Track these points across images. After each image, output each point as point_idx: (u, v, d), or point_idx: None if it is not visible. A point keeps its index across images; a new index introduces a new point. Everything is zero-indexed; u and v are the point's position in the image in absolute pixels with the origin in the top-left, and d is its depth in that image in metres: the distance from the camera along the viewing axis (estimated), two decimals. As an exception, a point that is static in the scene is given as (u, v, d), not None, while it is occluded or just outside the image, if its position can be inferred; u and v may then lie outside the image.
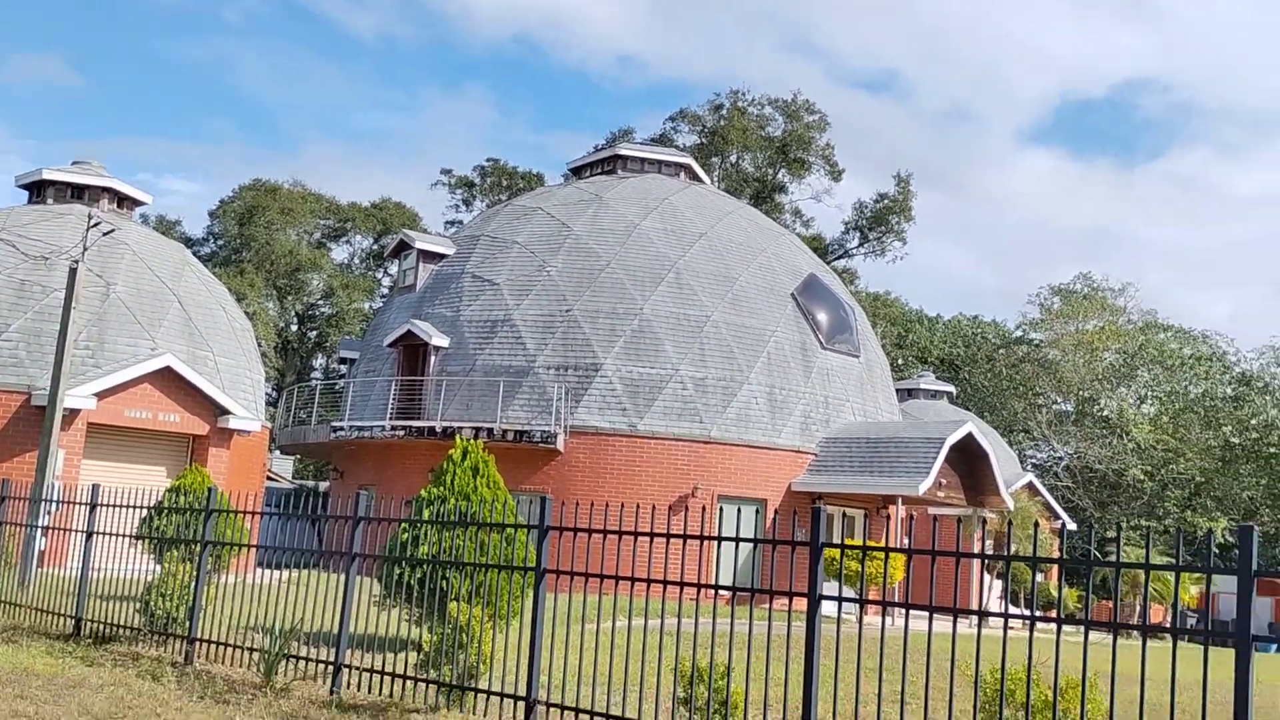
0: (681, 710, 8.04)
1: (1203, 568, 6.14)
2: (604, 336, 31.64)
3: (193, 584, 11.85)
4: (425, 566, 11.32)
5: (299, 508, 12.01)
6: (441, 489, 14.07)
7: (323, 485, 44.09)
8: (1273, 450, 53.26)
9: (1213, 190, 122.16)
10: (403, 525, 12.39)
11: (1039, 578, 35.94)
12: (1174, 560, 6.16)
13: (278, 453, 43.42)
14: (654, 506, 13.13)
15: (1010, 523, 7.62)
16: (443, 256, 35.78)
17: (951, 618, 6.96)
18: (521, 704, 8.59)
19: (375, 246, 62.97)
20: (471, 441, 14.88)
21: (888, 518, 33.04)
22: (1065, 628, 6.48)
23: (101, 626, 12.67)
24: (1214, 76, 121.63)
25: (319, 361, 61.32)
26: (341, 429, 32.60)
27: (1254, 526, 5.91)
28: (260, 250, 56.11)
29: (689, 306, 32.31)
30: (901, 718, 6.57)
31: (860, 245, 58.07)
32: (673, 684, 8.23)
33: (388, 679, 9.78)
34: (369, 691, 9.87)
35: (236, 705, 9.28)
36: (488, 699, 8.98)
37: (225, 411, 25.80)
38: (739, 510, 8.98)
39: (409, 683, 9.61)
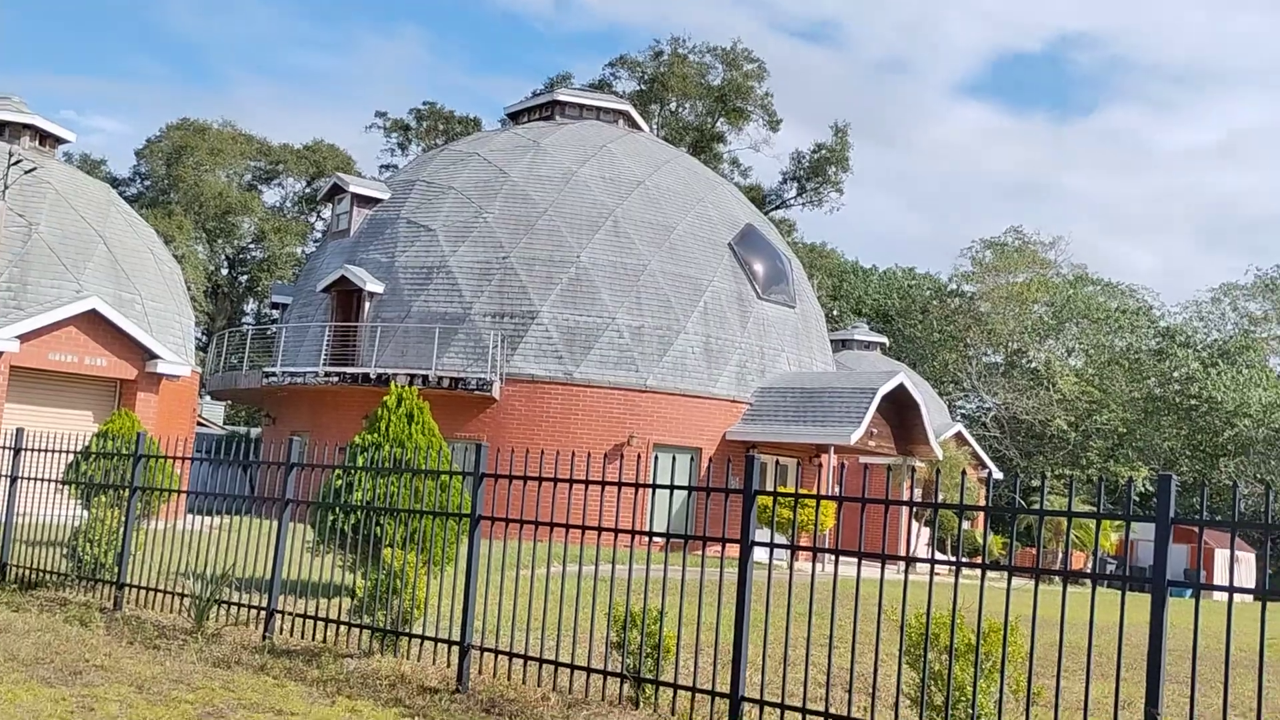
0: (615, 654, 8.14)
1: (1123, 515, 6.32)
2: (540, 284, 31.52)
3: (121, 529, 11.71)
4: (359, 513, 11.29)
5: (230, 453, 11.88)
6: (376, 436, 13.99)
7: (254, 431, 43.64)
8: (1193, 402, 54.63)
9: (1142, 145, 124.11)
10: (337, 472, 12.32)
11: (965, 525, 36.81)
12: (1096, 509, 6.35)
13: (208, 398, 42.86)
14: (590, 455, 13.19)
15: (938, 471, 7.79)
16: (377, 201, 35.32)
17: (879, 564, 7.12)
18: (455, 648, 8.64)
19: (308, 190, 61.97)
20: (406, 388, 14.81)
21: (819, 466, 33.48)
22: (991, 574, 6.68)
23: (27, 572, 12.50)
24: (1146, 32, 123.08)
25: (250, 306, 60.43)
26: (274, 375, 32.25)
27: (1172, 476, 6.09)
28: (189, 192, 54.95)
29: (626, 255, 32.27)
30: (829, 660, 6.70)
31: (798, 196, 58.25)
32: (606, 629, 8.32)
33: (321, 624, 9.77)
34: (302, 637, 9.86)
35: (167, 650, 9.23)
36: (421, 644, 9.02)
37: (154, 356, 25.38)
38: (674, 459, 9.03)
39: (343, 628, 9.62)
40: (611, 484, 8.22)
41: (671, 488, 7.72)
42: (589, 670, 7.99)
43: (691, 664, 8.33)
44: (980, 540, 37.66)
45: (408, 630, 9.17)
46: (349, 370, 31.27)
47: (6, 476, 13.24)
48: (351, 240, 34.63)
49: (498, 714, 7.66)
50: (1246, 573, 42.34)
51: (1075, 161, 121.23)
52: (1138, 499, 51.23)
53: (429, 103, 61.42)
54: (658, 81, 54.16)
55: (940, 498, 7.70)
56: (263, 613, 10.11)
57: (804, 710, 6.79)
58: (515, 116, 40.07)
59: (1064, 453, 55.53)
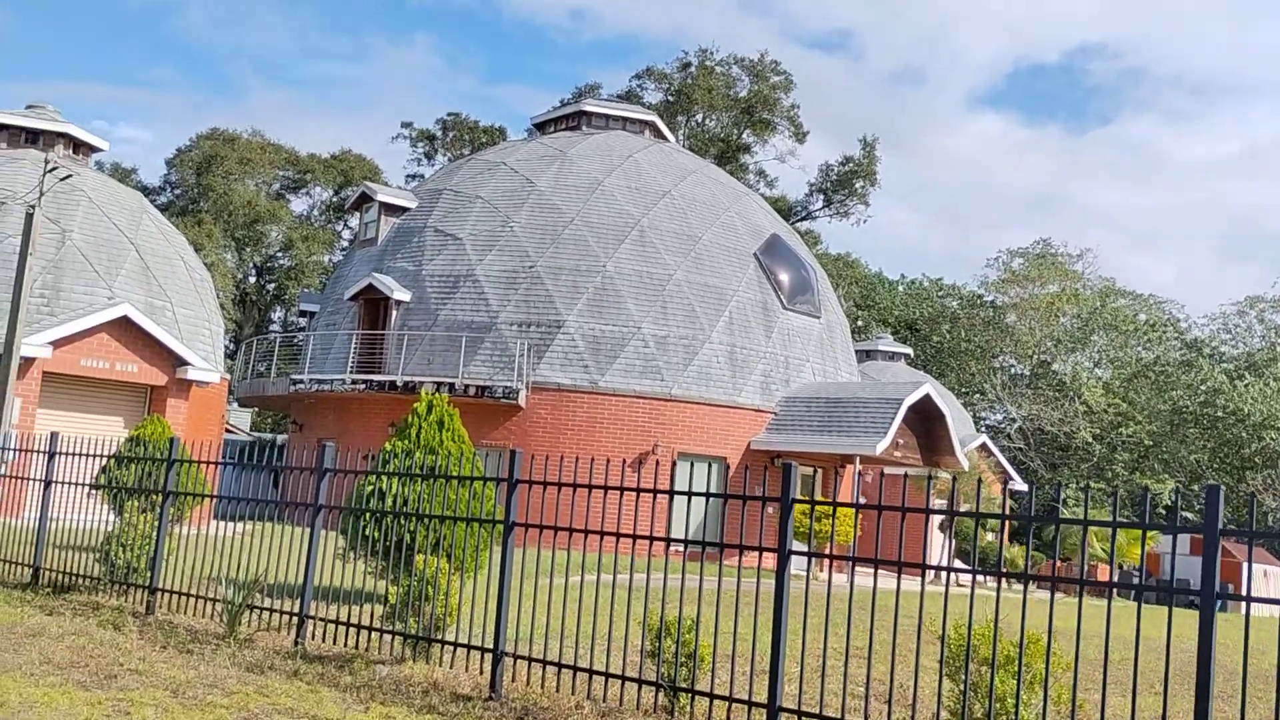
0: (648, 663, 8.11)
1: (1169, 527, 6.26)
2: (567, 293, 31.57)
3: (154, 534, 11.77)
4: (390, 519, 11.30)
5: (258, 459, 11.93)
6: (406, 442, 14.02)
7: (280, 438, 43.83)
8: (1219, 415, 54.18)
9: (1160, 156, 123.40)
10: (369, 478, 12.35)
11: (989, 537, 36.48)
12: (1114, 521, 6.29)
13: (235, 405, 43.09)
14: (615, 462, 13.17)
15: (979, 481, 7.73)
16: (405, 210, 35.48)
17: (913, 574, 7.09)
18: (489, 656, 8.62)
19: (335, 199, 62.27)
20: (436, 395, 14.84)
21: (841, 477, 33.37)
22: (1017, 586, 6.62)
23: (60, 576, 12.58)
24: (1164, 43, 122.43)
25: (277, 314, 60.73)
26: (301, 381, 32.40)
27: (1220, 487, 6.01)
28: (218, 200, 55.31)
29: (652, 264, 32.28)
30: (868, 671, 6.65)
31: (824, 208, 58.13)
32: (640, 638, 8.29)
33: (352, 631, 9.78)
34: (334, 643, 9.87)
35: (200, 655, 9.26)
36: (454, 651, 9.01)
37: (184, 362, 25.53)
38: (692, 467, 9.00)
39: (374, 634, 9.61)
40: (646, 490, 8.19)
41: (708, 495, 7.69)
42: (624, 679, 7.96)
43: (725, 674, 8.29)
44: (1004, 553, 37.47)
45: (439, 637, 9.17)
46: (376, 378, 31.38)
47: (41, 480, 13.33)
48: (379, 249, 34.78)
49: (531, 721, 7.65)
50: (1275, 586, 41.94)
51: (1092, 173, 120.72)
52: (1163, 512, 50.78)
53: (454, 113, 61.68)
54: (684, 93, 54.21)
55: (968, 508, 7.64)
56: (294, 618, 10.12)
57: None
58: (542, 126, 40.17)
59: (1089, 465, 55.17)
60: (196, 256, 29.49)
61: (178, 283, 26.93)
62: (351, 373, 32.11)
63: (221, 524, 12.32)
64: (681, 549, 23.78)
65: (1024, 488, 45.07)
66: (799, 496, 7.33)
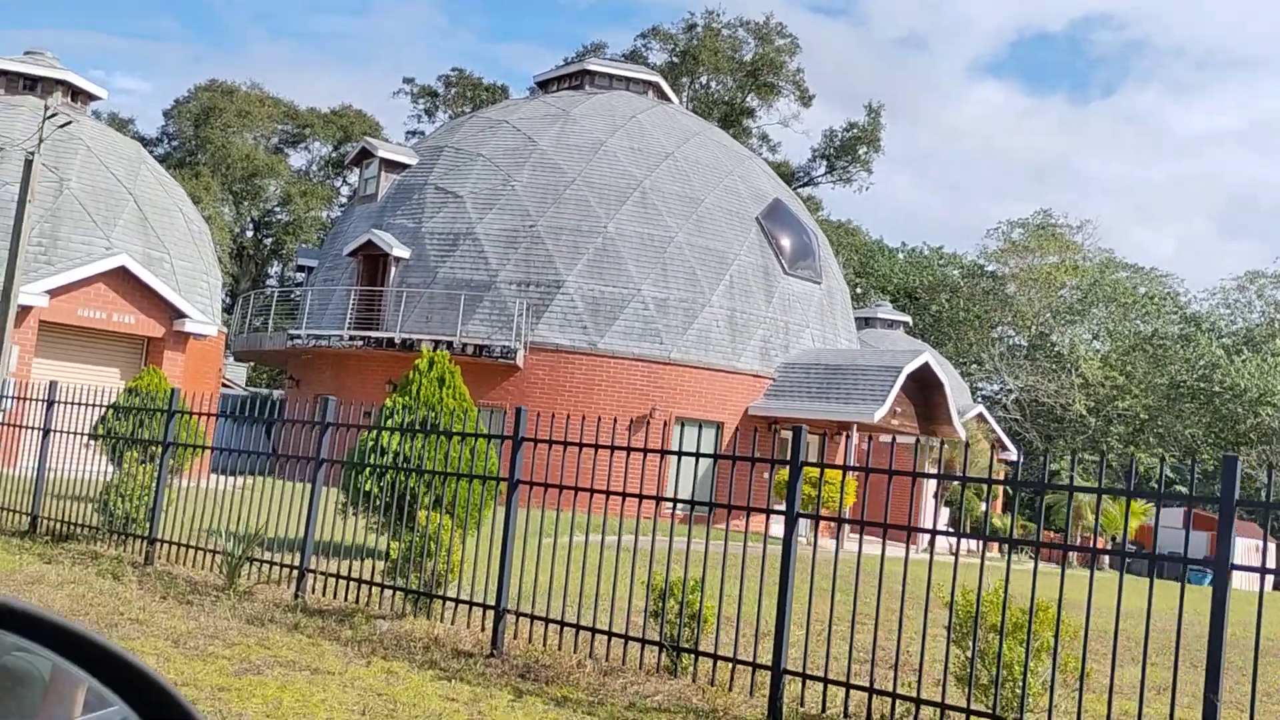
0: (651, 623, 8.08)
1: (1187, 497, 6.21)
2: (567, 253, 31.42)
3: (153, 485, 11.71)
4: (391, 475, 11.24)
5: (256, 414, 11.87)
6: (407, 398, 13.95)
7: (277, 393, 43.77)
8: (1215, 390, 54.23)
9: (1162, 128, 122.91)
10: (370, 433, 12.28)
11: (983, 506, 36.51)
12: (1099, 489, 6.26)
13: (231, 359, 42.99)
14: (614, 424, 12.96)
15: (991, 447, 7.70)
16: (405, 166, 35.24)
17: (913, 541, 7.05)
18: (490, 613, 8.59)
19: (335, 154, 61.86)
20: (438, 352, 14.75)
21: (839, 444, 33.37)
22: (1016, 554, 6.65)
23: (59, 525, 12.52)
24: (1168, 15, 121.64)
25: (275, 269, 60.49)
26: (299, 337, 32.29)
27: (1238, 458, 5.97)
28: (216, 153, 54.93)
29: (653, 226, 32.12)
30: (874, 636, 6.62)
31: (827, 174, 57.83)
32: (644, 598, 8.26)
33: (353, 586, 9.74)
34: (334, 597, 9.83)
35: (200, 606, 9.22)
36: (455, 607, 8.97)
37: (181, 315, 25.40)
38: (682, 430, 8.98)
39: (375, 589, 9.58)
40: (653, 451, 8.14)
41: (716, 456, 7.63)
42: (626, 638, 7.93)
43: (727, 636, 8.27)
44: (997, 521, 37.52)
45: (441, 593, 9.13)
46: (374, 334, 31.28)
47: (39, 429, 13.25)
48: (379, 205, 34.58)
49: (533, 679, 7.62)
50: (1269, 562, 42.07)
51: (1094, 144, 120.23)
52: (1153, 486, 50.89)
53: (457, 69, 61.22)
54: (689, 54, 53.77)
55: (983, 477, 7.59)
56: (294, 572, 10.08)
57: (847, 685, 6.71)
58: (545, 85, 39.85)
59: (1084, 437, 55.27)
60: (195, 208, 29.29)
61: (176, 234, 26.74)
62: (350, 329, 31.99)
63: (218, 477, 12.27)
64: (679, 510, 23.89)
65: (1016, 457, 45.14)
66: (807, 460, 7.25)
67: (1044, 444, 55.38)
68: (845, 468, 7.21)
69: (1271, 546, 44.19)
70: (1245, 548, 41.17)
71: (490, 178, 33.14)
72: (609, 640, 8.05)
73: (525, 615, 8.40)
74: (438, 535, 9.11)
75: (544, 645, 8.37)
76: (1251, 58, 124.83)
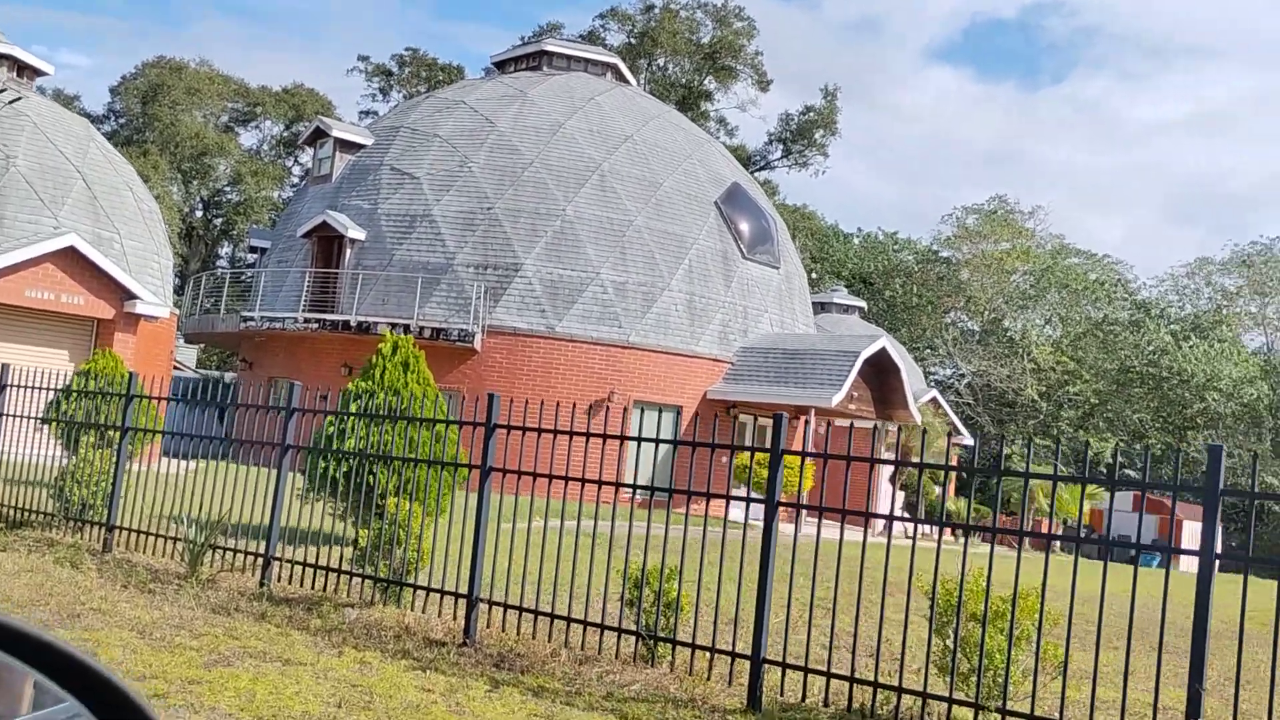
0: (628, 612, 8.00)
1: (1170, 485, 6.21)
2: (525, 236, 31.19)
3: (111, 470, 11.45)
4: (355, 461, 11.05)
5: (206, 397, 11.66)
6: (370, 383, 13.75)
7: (229, 375, 43.19)
8: (1164, 375, 55.02)
9: (1111, 116, 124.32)
10: (331, 419, 12.07)
11: (937, 490, 36.78)
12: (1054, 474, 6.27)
13: (182, 341, 42.33)
14: (566, 408, 12.92)
15: (925, 432, 7.71)
16: (360, 147, 34.80)
17: (885, 525, 7.01)
18: (463, 601, 8.46)
19: (287, 134, 61.01)
20: (401, 336, 14.56)
21: (796, 428, 33.47)
22: (970, 538, 6.69)
23: (12, 511, 12.22)
24: (1119, 2, 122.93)
25: (225, 250, 59.62)
26: (252, 319, 31.86)
27: (1222, 447, 5.97)
28: (164, 131, 53.97)
29: (612, 210, 31.96)
30: (855, 625, 6.59)
31: (783, 158, 57.87)
32: (616, 585, 8.17)
33: (319, 573, 9.57)
34: (301, 585, 9.66)
35: (163, 595, 9.02)
36: (427, 596, 8.84)
37: (132, 296, 24.93)
38: (643, 414, 8.90)
39: (342, 577, 9.42)
40: (630, 438, 8.04)
41: (694, 444, 7.56)
42: (602, 627, 7.84)
43: (702, 623, 8.21)
44: (952, 505, 37.87)
45: (411, 581, 8.99)
46: (329, 317, 30.90)
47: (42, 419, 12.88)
48: (333, 186, 34.13)
49: (508, 669, 7.52)
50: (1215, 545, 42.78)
51: (1045, 131, 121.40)
52: (1105, 472, 51.64)
53: (412, 49, 60.50)
54: (647, 36, 53.51)
55: (937, 464, 7.57)
56: (259, 560, 9.89)
57: (828, 674, 6.67)
58: (501, 65, 39.50)
59: (1035, 421, 55.88)
60: (145, 187, 28.73)
61: (126, 214, 26.23)
62: (304, 311, 31.58)
63: (171, 461, 12.01)
64: (638, 495, 23.78)
65: (971, 442, 45.58)
66: (788, 448, 7.19)
67: (996, 428, 55.95)
68: (825, 455, 7.15)
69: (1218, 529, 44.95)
70: (1192, 531, 41.85)
71: (447, 159, 32.81)
72: (584, 629, 7.95)
73: (499, 604, 8.29)
74: (407, 523, 8.95)
75: (518, 634, 8.27)
76: (1199, 46, 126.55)
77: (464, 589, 8.51)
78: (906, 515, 37.74)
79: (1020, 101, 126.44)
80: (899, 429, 35.71)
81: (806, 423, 29.97)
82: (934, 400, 42.82)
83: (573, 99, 34.76)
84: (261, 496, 10.36)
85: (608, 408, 30.27)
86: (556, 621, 8.07)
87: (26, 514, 12.04)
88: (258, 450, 10.41)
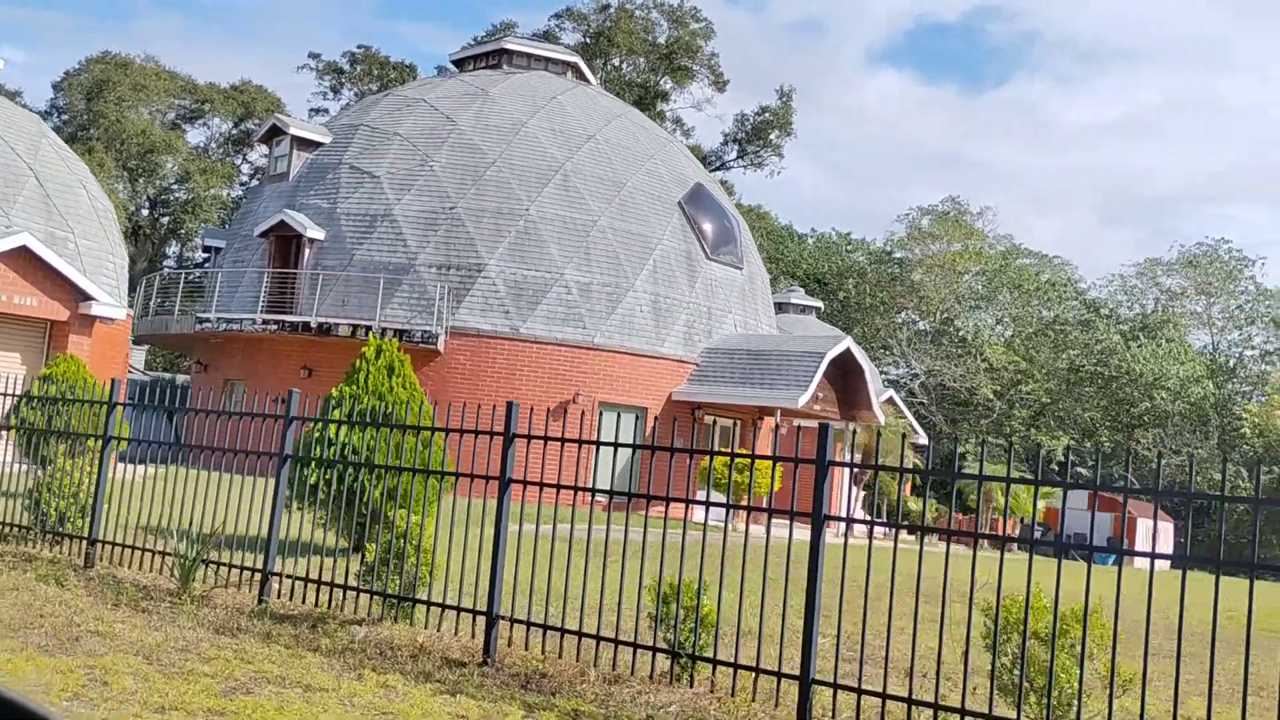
0: (651, 626, 7.67)
1: (1152, 490, 6.19)
2: (488, 236, 30.77)
3: (86, 482, 10.95)
4: (343, 469, 10.64)
5: (160, 400, 11.26)
6: (354, 388, 13.34)
7: (179, 378, 42.28)
8: (1113, 375, 55.68)
9: (1048, 119, 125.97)
10: (316, 426, 11.65)
11: (897, 489, 36.74)
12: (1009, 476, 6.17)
13: (131, 343, 41.34)
14: (535, 410, 12.55)
15: (904, 437, 7.53)
16: (318, 145, 34.15)
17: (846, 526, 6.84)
18: (480, 618, 8.10)
19: (235, 131, 59.91)
20: (386, 340, 14.16)
21: (758, 428, 33.33)
22: (924, 536, 6.61)
23: (-19, 524, 11.65)
24: (1054, 6, 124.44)
25: (173, 249, 58.40)
26: (209, 320, 31.14)
27: (1226, 455, 6.02)
28: (110, 129, 52.71)
29: (576, 210, 31.63)
30: (913, 642, 6.34)
31: (738, 158, 57.77)
32: (637, 599, 7.87)
33: (326, 589, 9.14)
34: (303, 601, 9.24)
35: (158, 614, 8.57)
36: (442, 612, 8.46)
37: (87, 297, 24.20)
38: (602, 417, 8.68)
39: (349, 593, 9.00)
40: (644, 447, 7.70)
41: (732, 455, 7.28)
42: (635, 646, 7.51)
43: (730, 639, 7.92)
44: (910, 506, 37.92)
45: (425, 598, 8.60)
46: (289, 318, 30.27)
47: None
48: (291, 184, 33.46)
49: (536, 690, 7.19)
50: (1166, 540, 43.34)
51: (986, 133, 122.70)
52: (1056, 469, 52.18)
53: (363, 46, 59.72)
54: (604, 35, 53.14)
55: (882, 461, 7.39)
56: (256, 575, 9.45)
57: (884, 695, 6.41)
58: (460, 64, 39.04)
59: (988, 421, 56.29)
60: (98, 186, 27.93)
61: (80, 212, 25.47)
62: (263, 313, 30.90)
63: (127, 467, 11.49)
64: (604, 499, 23.42)
65: (925, 441, 45.78)
66: (834, 459, 6.94)
67: (950, 428, 56.28)
68: (832, 463, 6.89)
69: (1169, 526, 45.59)
70: (1146, 529, 42.32)
71: (408, 158, 32.30)
72: (616, 648, 7.60)
73: (521, 621, 7.92)
74: (420, 537, 8.57)
75: (542, 653, 7.93)
76: (1131, 49, 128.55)
77: (478, 604, 8.16)
78: (875, 519, 37.76)
79: (963, 104, 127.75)
80: (854, 431, 35.66)
81: (776, 425, 29.77)
82: (890, 400, 42.92)
83: (534, 98, 34.37)
84: (245, 506, 9.93)
85: (566, 410, 29.90)
86: (584, 640, 7.72)
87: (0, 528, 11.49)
88: (211, 455, 10.06)
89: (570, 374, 30.64)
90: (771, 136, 55.82)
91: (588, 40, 52.94)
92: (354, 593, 8.90)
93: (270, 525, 9.33)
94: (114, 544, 10.36)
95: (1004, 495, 6.14)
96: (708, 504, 7.17)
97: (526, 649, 7.94)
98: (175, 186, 57.18)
